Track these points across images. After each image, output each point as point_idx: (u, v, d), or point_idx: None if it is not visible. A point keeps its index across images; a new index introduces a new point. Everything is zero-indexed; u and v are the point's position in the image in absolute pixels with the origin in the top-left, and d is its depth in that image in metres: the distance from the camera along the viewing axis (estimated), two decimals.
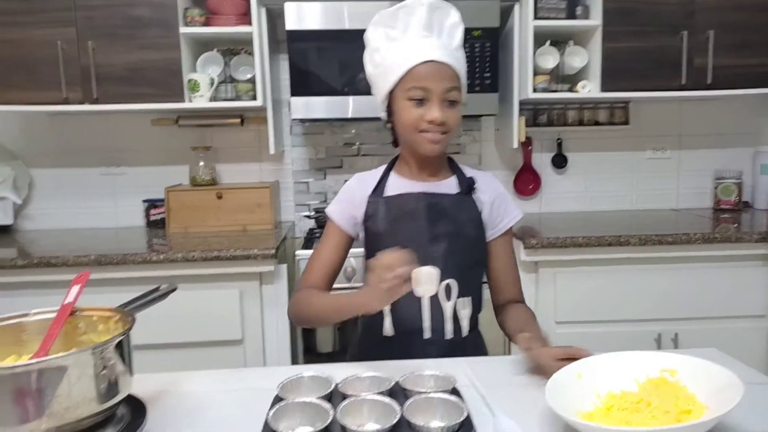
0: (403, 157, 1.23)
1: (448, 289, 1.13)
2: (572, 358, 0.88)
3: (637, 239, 2.01)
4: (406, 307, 1.12)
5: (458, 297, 1.15)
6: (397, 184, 1.19)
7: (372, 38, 1.14)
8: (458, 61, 1.11)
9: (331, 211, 1.22)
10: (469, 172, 1.24)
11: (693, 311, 2.08)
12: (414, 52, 1.08)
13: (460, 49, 1.14)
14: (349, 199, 1.21)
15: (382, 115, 1.19)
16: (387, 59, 1.11)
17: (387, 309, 1.15)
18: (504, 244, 1.24)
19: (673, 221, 2.41)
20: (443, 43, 1.11)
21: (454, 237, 1.15)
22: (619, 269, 2.06)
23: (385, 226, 1.16)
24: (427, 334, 1.14)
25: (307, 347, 2.13)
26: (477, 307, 1.21)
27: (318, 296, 1.14)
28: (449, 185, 1.20)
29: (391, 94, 1.13)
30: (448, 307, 1.15)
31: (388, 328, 1.16)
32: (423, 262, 1.10)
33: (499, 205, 1.22)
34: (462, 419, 0.75)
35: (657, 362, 0.85)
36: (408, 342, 1.15)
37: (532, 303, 2.08)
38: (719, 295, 2.08)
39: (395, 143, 1.25)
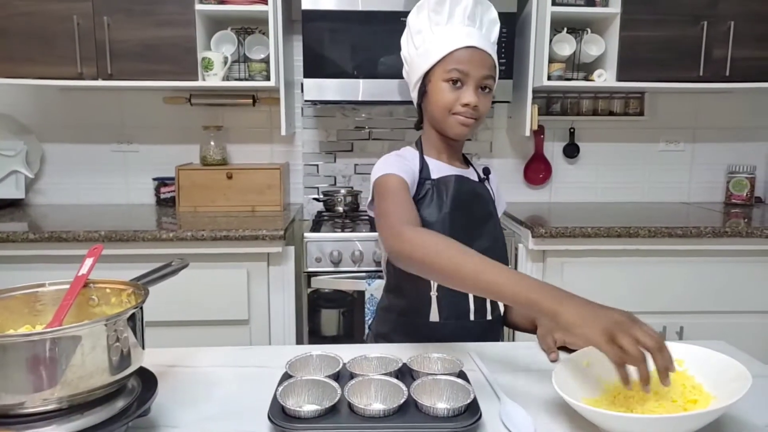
0: (430, 142, 1.24)
1: None
2: None
3: (647, 231, 2.01)
4: (453, 290, 1.14)
5: None
6: (438, 167, 1.21)
7: (415, 21, 1.18)
8: (495, 54, 1.17)
9: (393, 168, 1.11)
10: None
11: (699, 305, 2.08)
12: (458, 37, 1.12)
13: (495, 45, 1.19)
14: (404, 164, 1.16)
15: (413, 95, 1.22)
16: (428, 41, 1.14)
17: (434, 296, 1.16)
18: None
19: (684, 214, 2.39)
20: (484, 35, 1.16)
21: (489, 220, 1.22)
22: (627, 261, 2.06)
23: (438, 208, 1.16)
24: (472, 316, 1.17)
25: (312, 330, 2.14)
26: None
27: (474, 253, 0.90)
28: (471, 173, 1.26)
29: (426, 75, 1.16)
30: None
31: (434, 314, 1.16)
32: (468, 243, 1.14)
33: (498, 193, 1.33)
34: (469, 401, 0.76)
35: None
36: (453, 325, 1.16)
37: None
38: (726, 290, 2.07)
39: (418, 126, 1.27)
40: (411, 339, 1.13)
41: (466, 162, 1.29)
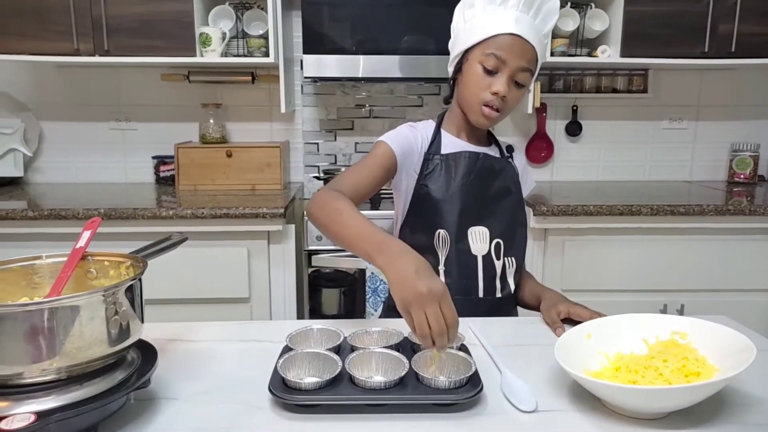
0: (452, 119, 1.22)
1: (498, 247, 1.18)
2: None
3: (649, 209, 1.99)
4: (461, 267, 1.15)
5: (505, 256, 1.19)
6: (452, 143, 1.20)
7: None
8: (541, 47, 1.12)
9: (388, 136, 1.15)
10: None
11: (700, 283, 2.08)
12: (505, 21, 1.08)
13: (547, 37, 1.16)
14: (405, 135, 1.17)
15: (450, 69, 1.20)
16: (477, 17, 1.11)
17: (441, 271, 1.15)
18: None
19: (686, 193, 2.38)
20: (535, 25, 1.11)
21: (506, 198, 1.20)
22: (629, 239, 2.05)
23: (446, 184, 1.16)
24: (481, 293, 1.17)
25: (313, 308, 2.14)
26: (520, 266, 1.24)
27: (352, 211, 0.96)
28: (493, 150, 1.25)
29: (466, 53, 1.13)
30: (498, 265, 1.18)
31: None
32: (479, 221, 1.13)
33: (524, 172, 1.29)
34: (470, 374, 0.76)
35: (668, 325, 0.84)
36: (462, 302, 1.15)
37: (539, 270, 2.10)
38: (728, 268, 2.07)
39: (447, 100, 1.25)
40: None
41: (490, 140, 1.27)
